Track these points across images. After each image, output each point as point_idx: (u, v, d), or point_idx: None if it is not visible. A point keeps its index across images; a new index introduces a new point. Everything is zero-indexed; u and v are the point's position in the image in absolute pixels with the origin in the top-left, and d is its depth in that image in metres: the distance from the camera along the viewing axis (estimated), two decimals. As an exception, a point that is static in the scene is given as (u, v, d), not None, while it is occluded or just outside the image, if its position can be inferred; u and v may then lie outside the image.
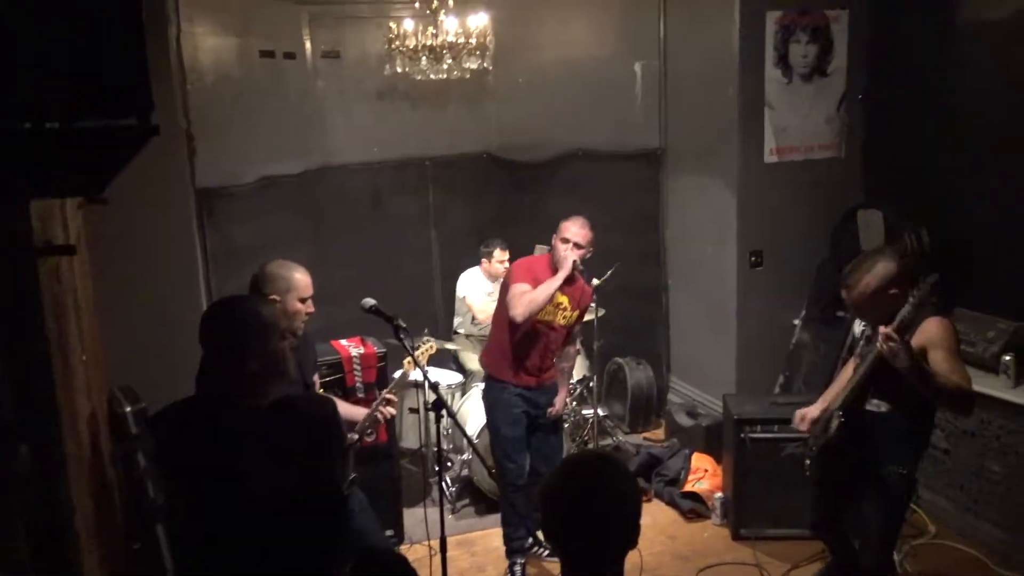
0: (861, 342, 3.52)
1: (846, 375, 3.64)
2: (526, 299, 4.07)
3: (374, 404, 3.54)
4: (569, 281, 4.19)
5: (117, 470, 3.38)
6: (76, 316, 2.89)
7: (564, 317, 4.30)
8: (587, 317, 5.79)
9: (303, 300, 3.14)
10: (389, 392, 3.54)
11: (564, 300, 4.26)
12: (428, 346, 3.88)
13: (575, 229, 4.13)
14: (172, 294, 4.55)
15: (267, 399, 2.37)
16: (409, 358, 3.57)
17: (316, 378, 3.62)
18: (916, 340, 3.20)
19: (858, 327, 3.61)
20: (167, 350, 4.49)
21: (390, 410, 3.53)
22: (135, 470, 3.44)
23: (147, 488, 3.41)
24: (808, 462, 3.66)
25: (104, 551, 2.85)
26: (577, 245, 4.12)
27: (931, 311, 3.33)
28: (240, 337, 2.32)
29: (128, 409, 3.50)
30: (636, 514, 1.94)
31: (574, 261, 4.11)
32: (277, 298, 3.03)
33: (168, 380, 4.27)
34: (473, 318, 6.08)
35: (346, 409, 3.58)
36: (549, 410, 4.44)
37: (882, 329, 3.09)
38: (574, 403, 5.75)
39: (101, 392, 3.31)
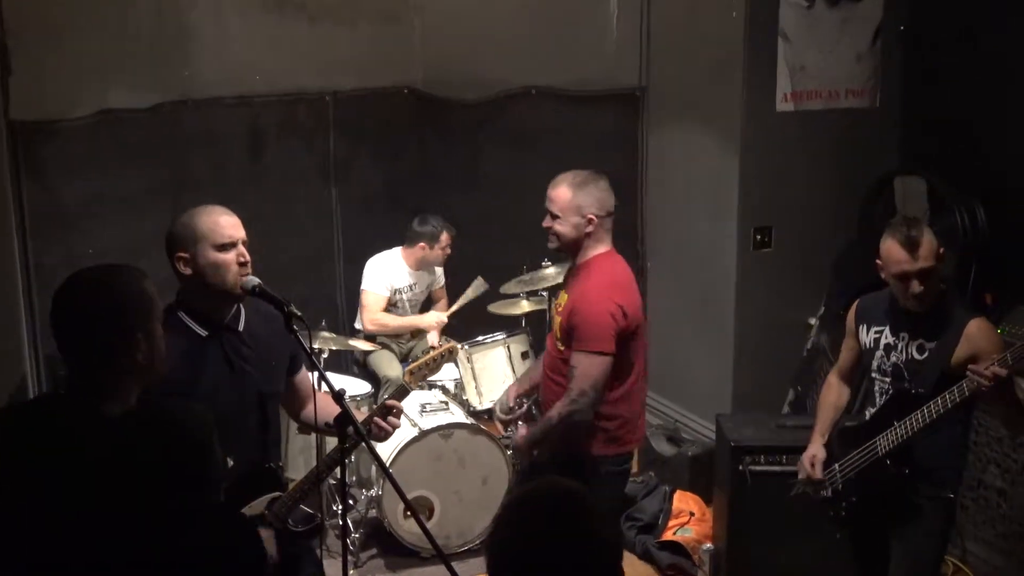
0: (879, 353, 3.57)
1: (833, 397, 3.83)
2: None
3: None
4: (572, 271, 4.00)
5: None
6: None
7: (557, 325, 4.01)
8: (533, 307, 5.81)
9: (220, 247, 3.00)
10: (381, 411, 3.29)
11: (563, 300, 4.00)
12: (445, 347, 3.57)
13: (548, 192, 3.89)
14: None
15: (133, 401, 2.38)
16: (408, 369, 3.42)
17: (313, 377, 3.26)
18: (961, 349, 3.36)
19: (865, 335, 3.65)
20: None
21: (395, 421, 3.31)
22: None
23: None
24: (843, 505, 3.69)
25: None
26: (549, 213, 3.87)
27: (967, 310, 3.47)
28: (108, 320, 2.33)
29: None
30: (615, 565, 1.92)
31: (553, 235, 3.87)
32: (185, 255, 2.98)
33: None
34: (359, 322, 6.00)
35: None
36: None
37: (995, 369, 3.11)
38: (519, 423, 5.71)
39: None
